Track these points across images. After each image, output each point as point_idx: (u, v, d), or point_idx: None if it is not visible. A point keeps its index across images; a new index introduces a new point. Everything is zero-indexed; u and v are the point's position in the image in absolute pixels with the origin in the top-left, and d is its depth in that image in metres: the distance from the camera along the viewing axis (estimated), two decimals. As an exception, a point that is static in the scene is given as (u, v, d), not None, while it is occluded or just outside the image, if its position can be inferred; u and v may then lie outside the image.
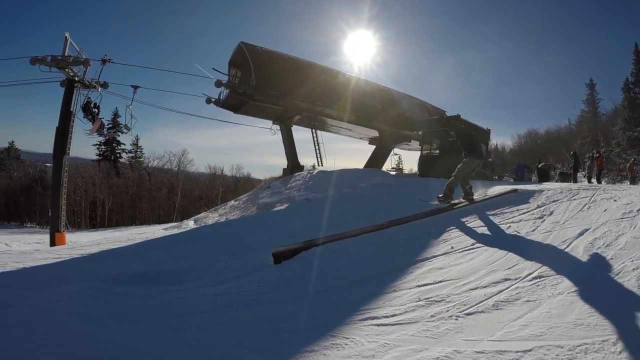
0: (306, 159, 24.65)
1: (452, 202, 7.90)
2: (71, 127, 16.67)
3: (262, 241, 7.96)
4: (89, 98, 16.21)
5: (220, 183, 48.65)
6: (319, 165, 23.80)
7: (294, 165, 23.27)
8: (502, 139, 67.38)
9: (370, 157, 25.02)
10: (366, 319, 3.63)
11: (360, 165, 24.48)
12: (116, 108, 43.46)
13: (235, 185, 48.58)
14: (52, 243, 15.64)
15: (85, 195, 40.41)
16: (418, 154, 20.19)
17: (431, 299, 3.85)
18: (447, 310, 3.56)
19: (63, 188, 16.57)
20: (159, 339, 3.55)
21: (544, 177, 18.68)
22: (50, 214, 16.83)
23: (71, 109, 16.62)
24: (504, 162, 27.07)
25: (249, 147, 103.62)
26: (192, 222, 18.83)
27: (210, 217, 19.18)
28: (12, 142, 49.83)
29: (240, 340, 3.45)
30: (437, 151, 19.64)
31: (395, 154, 26.88)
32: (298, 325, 3.66)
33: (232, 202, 22.08)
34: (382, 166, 24.53)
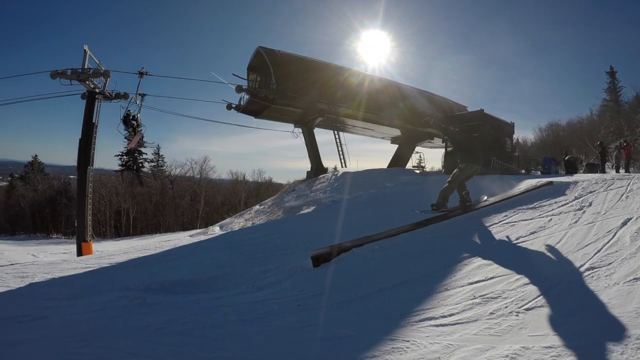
0: (328, 162, 24.34)
1: (447, 210, 7.40)
2: (94, 138, 16.72)
3: (294, 245, 7.74)
4: (129, 111, 16.13)
5: (242, 189, 48.67)
6: (342, 166, 23.51)
7: (317, 168, 23.12)
8: (523, 132, 65.79)
9: (394, 156, 24.58)
10: (423, 319, 3.48)
11: (384, 165, 24.08)
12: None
13: (258, 191, 48.56)
14: (79, 253, 15.64)
15: (109, 205, 40.76)
16: (440, 151, 19.73)
17: (487, 296, 3.73)
18: (506, 307, 3.46)
19: (88, 198, 16.61)
20: (204, 351, 3.27)
21: (571, 169, 18.18)
22: (76, 224, 16.86)
23: (93, 121, 16.68)
24: (530, 156, 26.23)
25: (268, 152, 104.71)
26: (218, 228, 18.66)
27: (236, 223, 19.00)
28: (36, 155, 50.97)
29: (294, 350, 3.21)
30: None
31: (417, 152, 26.33)
32: (353, 330, 3.46)
33: (257, 206, 21.92)
34: (406, 165, 24.10)
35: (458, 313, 3.48)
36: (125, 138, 16.36)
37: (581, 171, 18.19)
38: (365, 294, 4.39)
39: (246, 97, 20.83)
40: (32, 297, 5.74)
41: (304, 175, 25.05)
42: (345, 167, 23.35)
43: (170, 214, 43.08)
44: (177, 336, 3.65)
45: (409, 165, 25.12)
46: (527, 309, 3.35)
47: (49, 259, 14.28)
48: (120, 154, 47.21)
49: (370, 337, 3.23)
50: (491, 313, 3.37)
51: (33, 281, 7.00)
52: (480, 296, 3.75)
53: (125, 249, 12.87)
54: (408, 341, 3.07)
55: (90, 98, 16.65)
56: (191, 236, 17.05)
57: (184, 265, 7.23)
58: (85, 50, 16.14)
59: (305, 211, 14.11)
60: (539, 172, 20.67)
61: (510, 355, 2.64)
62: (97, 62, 16.48)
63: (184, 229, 36.54)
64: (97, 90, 16.61)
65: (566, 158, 19.57)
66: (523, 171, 20.74)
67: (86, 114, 16.70)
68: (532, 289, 3.70)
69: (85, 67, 16.14)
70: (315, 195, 17.00)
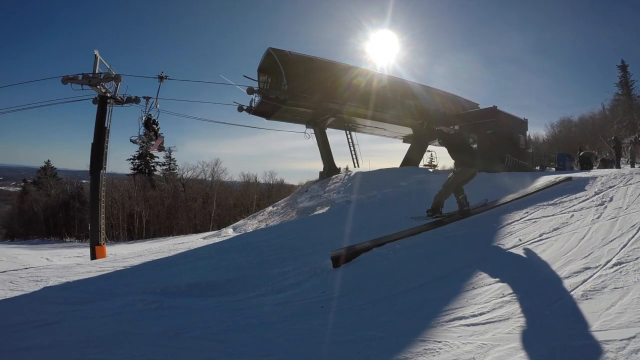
0: (339, 162, 24.22)
1: (443, 215, 7.06)
2: (106, 142, 16.75)
3: (310, 245, 7.64)
4: (149, 114, 16.10)
5: (254, 190, 48.69)
6: (355, 166, 23.35)
7: (330, 168, 23.02)
8: (535, 129, 64.80)
9: (406, 155, 24.32)
10: (453, 319, 3.37)
11: (395, 165, 23.84)
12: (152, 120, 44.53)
13: (269, 192, 48.56)
14: (93, 256, 15.67)
15: (122, 209, 41.06)
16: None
17: (515, 294, 3.60)
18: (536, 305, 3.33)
19: (101, 202, 16.64)
20: (227, 356, 3.14)
21: (586, 165, 17.88)
22: (89, 228, 16.91)
23: (105, 125, 16.73)
24: (543, 152, 25.87)
25: (278, 153, 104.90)
26: (231, 230, 18.51)
27: (250, 224, 18.86)
28: (48, 161, 51.70)
29: (321, 353, 3.10)
30: (475, 145, 19.15)
31: (428, 151, 26.06)
32: (381, 332, 3.33)
33: (270, 208, 21.82)
34: (418, 164, 23.83)
35: (488, 312, 3.37)
36: (133, 142, 16.30)
37: (596, 167, 17.98)
38: (390, 295, 4.26)
39: (257, 98, 20.79)
40: (47, 301, 5.68)
41: (315, 176, 24.98)
42: (358, 166, 23.21)
43: (183, 217, 43.32)
44: (198, 341, 3.52)
45: (421, 165, 24.88)
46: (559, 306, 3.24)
47: (63, 262, 14.38)
48: (132, 157, 47.72)
49: (399, 339, 3.11)
50: (522, 311, 3.25)
51: (47, 285, 6.97)
52: (509, 294, 3.63)
53: (139, 252, 12.83)
54: (440, 342, 2.96)
55: (102, 102, 16.72)
56: (204, 238, 17.01)
57: (200, 268, 7.15)
58: (95, 55, 16.19)
59: (320, 212, 13.96)
60: (553, 168, 20.40)
61: (547, 353, 2.55)
62: (108, 66, 16.54)
63: (197, 231, 36.65)
64: (108, 95, 16.67)
65: (581, 154, 19.36)
66: (537, 168, 20.48)
67: (98, 118, 16.78)
68: (562, 286, 3.60)
69: (96, 71, 16.18)
70: (328, 196, 16.85)
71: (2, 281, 7.51)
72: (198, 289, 5.66)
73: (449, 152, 7.21)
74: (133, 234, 41.08)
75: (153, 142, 15.86)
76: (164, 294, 5.47)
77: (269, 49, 20.54)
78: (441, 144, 7.64)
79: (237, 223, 21.09)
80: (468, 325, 3.21)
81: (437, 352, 2.82)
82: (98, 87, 16.27)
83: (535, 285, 3.73)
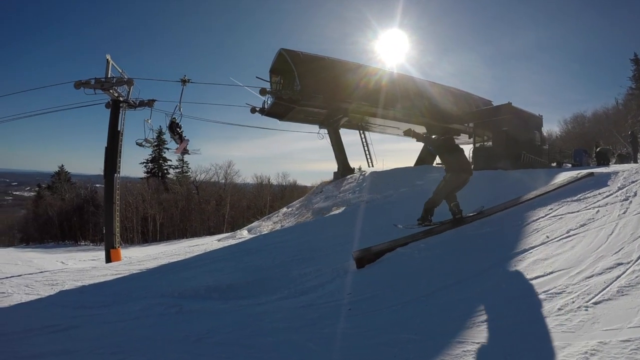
0: (352, 162, 23.94)
1: (433, 223, 6.73)
2: (120, 146, 16.77)
3: (330, 246, 7.47)
4: (173, 118, 15.95)
5: (267, 192, 48.65)
6: (369, 166, 23.10)
7: (344, 168, 22.62)
8: (548, 125, 63.81)
9: (420, 154, 23.99)
10: (489, 319, 3.26)
11: (408, 164, 23.53)
12: (160, 126, 45.50)
13: (282, 193, 48.52)
14: (108, 259, 15.61)
15: (136, 212, 41.26)
16: (467, 147, 19.18)
17: (550, 292, 3.52)
18: (573, 302, 3.26)
19: (116, 205, 16.65)
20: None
21: (603, 160, 17.48)
22: (104, 231, 16.92)
23: (118, 129, 16.73)
24: (560, 148, 25.38)
25: (290, 154, 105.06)
26: (246, 231, 18.38)
27: (264, 226, 18.71)
28: (62, 165, 52.02)
29: (356, 357, 2.98)
30: (490, 143, 18.84)
31: (443, 149, 25.64)
32: (416, 334, 3.21)
33: (285, 209, 21.59)
34: (433, 162, 23.46)
35: None
36: (139, 144, 16.33)
37: (613, 162, 17.56)
38: (420, 295, 4.13)
39: (270, 100, 20.65)
40: (63, 306, 5.62)
41: (327, 177, 24.72)
42: (372, 166, 22.96)
43: (197, 219, 43.44)
44: (222, 346, 3.37)
45: (434, 163, 24.56)
46: (596, 303, 3.14)
47: (78, 266, 14.37)
48: (145, 161, 47.91)
49: (436, 341, 3.00)
50: (559, 309, 3.16)
51: (63, 289, 6.91)
52: (544, 292, 3.53)
53: (154, 254, 12.75)
54: (478, 343, 2.86)
55: (115, 107, 16.71)
56: (219, 240, 16.91)
57: (218, 270, 7.02)
58: (107, 59, 16.19)
59: (335, 212, 13.71)
60: (568, 164, 19.98)
61: (589, 351, 2.49)
62: (120, 70, 16.54)
63: (210, 233, 36.68)
64: (121, 99, 16.67)
65: (597, 149, 19.00)
66: (554, 164, 20.10)
67: (111, 122, 16.78)
68: (596, 282, 3.49)
69: (109, 76, 16.20)
70: (344, 196, 16.58)
71: (17, 285, 7.48)
72: (217, 292, 5.55)
73: (440, 158, 6.98)
74: (147, 237, 41.32)
75: (178, 145, 15.88)
76: (183, 298, 5.36)
77: (281, 49, 20.38)
78: (432, 151, 7.37)
79: (251, 225, 20.96)
80: (505, 324, 3.11)
81: (476, 353, 2.73)
82: (111, 91, 16.28)
83: (569, 283, 3.61)
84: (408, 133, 7.16)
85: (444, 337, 3.03)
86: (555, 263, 4.16)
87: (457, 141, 22.23)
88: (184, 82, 16.44)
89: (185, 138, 15.84)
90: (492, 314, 3.32)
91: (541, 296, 3.47)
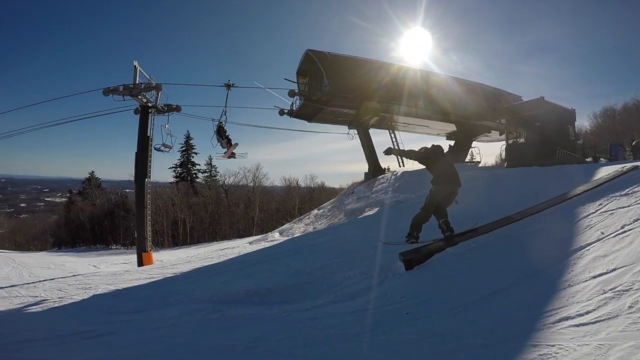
0: (383, 163, 23.56)
1: (419, 241, 6.14)
2: (150, 151, 16.86)
3: (370, 247, 7.05)
4: (220, 123, 15.94)
5: (296, 194, 48.80)
6: (400, 166, 22.63)
7: (375, 168, 22.22)
8: (577, 120, 62.19)
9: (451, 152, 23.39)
10: (559, 320, 3.06)
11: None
12: (187, 131, 46.96)
13: (311, 195, 48.66)
14: (140, 263, 15.71)
15: (166, 216, 42.09)
16: (496, 145, 18.62)
17: (617, 290, 3.26)
18: None
19: (147, 209, 16.73)
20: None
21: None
22: (136, 235, 17.04)
23: (148, 134, 16.84)
24: (594, 143, 24.37)
25: (318, 156, 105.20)
26: (278, 234, 18.25)
27: (296, 228, 18.51)
28: (92, 172, 53.71)
29: None
30: (523, 139, 18.51)
31: (473, 147, 25.02)
32: (484, 338, 3.02)
33: (316, 211, 21.21)
34: (464, 160, 22.87)
35: (594, 310, 3.06)
36: (157, 149, 16.52)
37: None
38: (479, 297, 3.91)
39: (298, 101, 20.48)
40: (97, 311, 5.50)
41: (354, 179, 24.33)
42: (403, 166, 22.50)
43: (226, 222, 44.05)
44: (273, 357, 3.08)
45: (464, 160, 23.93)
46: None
47: (111, 269, 14.48)
48: (174, 166, 48.81)
49: (507, 345, 2.82)
50: (630, 307, 2.92)
51: (96, 293, 6.80)
52: (611, 290, 3.29)
53: (186, 257, 12.66)
54: (553, 345, 2.66)
55: (144, 112, 16.83)
56: (251, 243, 16.79)
57: (255, 274, 6.78)
58: (135, 66, 16.34)
59: (369, 213, 13.29)
60: (602, 159, 19.42)
61: None
62: (148, 76, 16.66)
63: (240, 236, 37.07)
64: (149, 105, 16.77)
65: (634, 143, 18.68)
66: (589, 159, 19.39)
67: (141, 127, 16.92)
68: None
69: (136, 82, 16.31)
70: (377, 196, 16.18)
71: (50, 289, 7.46)
72: (258, 296, 5.32)
73: (428, 169, 6.55)
74: (177, 240, 42.17)
75: (226, 150, 15.80)
76: (223, 303, 5.14)
77: (308, 50, 20.16)
78: (421, 163, 6.89)
79: (283, 227, 20.80)
80: (577, 325, 2.91)
81: (554, 356, 2.54)
82: (139, 97, 16.40)
83: (636, 279, 3.33)
84: (389, 152, 6.91)
85: (514, 341, 2.85)
86: (616, 260, 3.89)
87: (486, 138, 21.53)
88: (228, 86, 16.48)
89: (234, 142, 15.77)
90: (561, 315, 3.11)
91: (609, 294, 3.22)
